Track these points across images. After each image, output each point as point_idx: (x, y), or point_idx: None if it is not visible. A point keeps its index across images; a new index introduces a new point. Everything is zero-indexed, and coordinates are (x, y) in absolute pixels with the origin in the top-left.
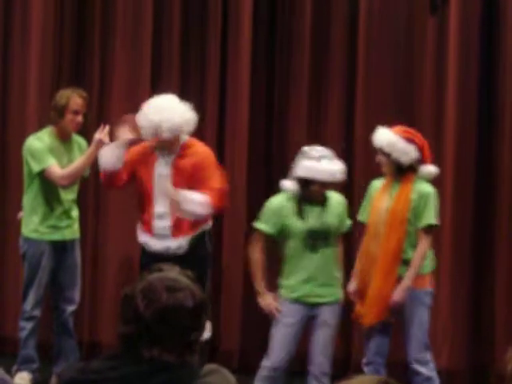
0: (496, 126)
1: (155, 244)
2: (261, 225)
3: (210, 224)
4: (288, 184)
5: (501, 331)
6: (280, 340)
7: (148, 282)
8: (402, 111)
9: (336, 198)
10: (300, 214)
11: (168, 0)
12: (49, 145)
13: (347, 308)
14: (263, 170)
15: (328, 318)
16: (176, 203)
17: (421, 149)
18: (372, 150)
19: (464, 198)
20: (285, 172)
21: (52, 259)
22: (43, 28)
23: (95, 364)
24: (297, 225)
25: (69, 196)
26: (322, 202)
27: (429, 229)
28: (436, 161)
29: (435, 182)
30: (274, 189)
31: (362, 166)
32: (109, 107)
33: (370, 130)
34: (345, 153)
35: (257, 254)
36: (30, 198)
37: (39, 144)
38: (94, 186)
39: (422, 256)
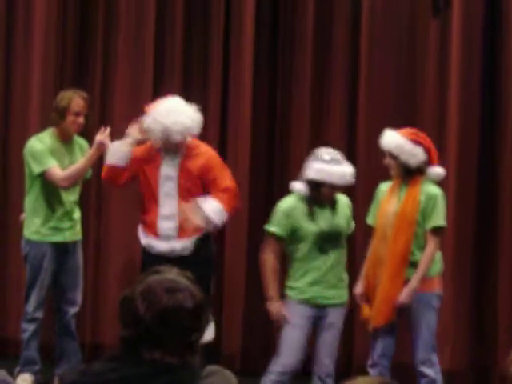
0: (498, 126)
1: (160, 245)
2: (272, 227)
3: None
4: (298, 186)
5: (503, 332)
6: (290, 342)
7: (147, 284)
8: (405, 111)
9: (343, 200)
10: (311, 216)
11: (170, 0)
12: (50, 146)
13: (350, 309)
14: (265, 169)
15: (335, 320)
16: (193, 221)
17: (428, 150)
18: (375, 151)
19: (466, 198)
20: (287, 172)
21: (54, 261)
22: (46, 28)
23: (96, 366)
24: (308, 227)
25: (70, 197)
26: (331, 204)
27: (437, 230)
28: (438, 161)
29: (437, 182)
30: (276, 189)
31: (365, 166)
32: (111, 107)
33: (373, 130)
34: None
35: (270, 259)
36: (32, 200)
37: (40, 145)
38: (96, 188)
39: (430, 258)
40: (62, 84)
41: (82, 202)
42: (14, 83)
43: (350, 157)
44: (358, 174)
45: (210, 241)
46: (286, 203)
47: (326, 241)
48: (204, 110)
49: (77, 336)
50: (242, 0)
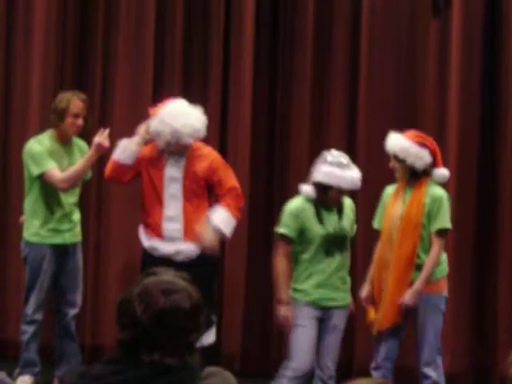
0: (498, 126)
1: (164, 247)
2: (282, 229)
3: None
4: (306, 188)
5: (503, 333)
6: (301, 344)
7: (144, 286)
8: (405, 112)
9: (348, 203)
10: (319, 218)
11: (170, 0)
12: (49, 148)
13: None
14: (265, 169)
15: (339, 322)
16: (207, 241)
17: (433, 153)
18: (375, 151)
19: (466, 198)
20: (287, 172)
21: (53, 263)
22: (46, 28)
23: (96, 369)
24: (315, 229)
25: (70, 199)
26: (337, 207)
27: (442, 232)
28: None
29: (442, 183)
30: (276, 189)
31: (365, 167)
32: (111, 107)
33: (373, 130)
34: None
35: (281, 262)
36: (31, 202)
37: (39, 147)
38: (96, 189)
39: (435, 260)
40: (62, 84)
41: (82, 204)
42: (14, 83)
43: (350, 157)
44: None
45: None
46: (294, 205)
47: (332, 243)
48: (204, 111)
49: (77, 338)
50: (241, 0)
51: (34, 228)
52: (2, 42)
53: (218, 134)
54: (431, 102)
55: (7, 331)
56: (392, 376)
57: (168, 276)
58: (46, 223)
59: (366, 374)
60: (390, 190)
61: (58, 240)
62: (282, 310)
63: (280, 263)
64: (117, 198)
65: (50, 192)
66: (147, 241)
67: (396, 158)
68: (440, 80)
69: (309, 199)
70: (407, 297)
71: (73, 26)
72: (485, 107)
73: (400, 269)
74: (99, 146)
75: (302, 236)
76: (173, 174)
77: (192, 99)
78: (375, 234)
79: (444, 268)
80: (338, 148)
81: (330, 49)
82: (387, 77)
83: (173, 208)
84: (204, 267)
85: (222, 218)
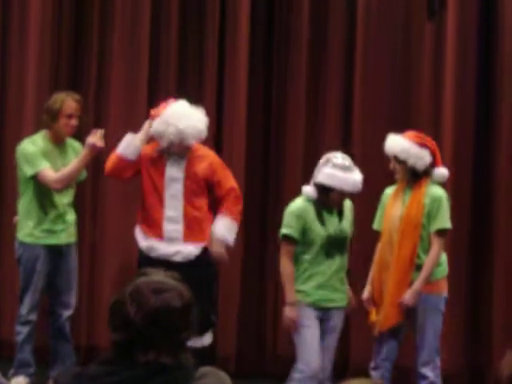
0: (493, 126)
1: (163, 248)
2: (286, 230)
3: None
4: (308, 189)
5: (498, 333)
6: (309, 344)
7: (135, 286)
8: (400, 111)
9: (347, 205)
10: (320, 219)
11: None
12: (42, 148)
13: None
14: (261, 168)
15: (338, 322)
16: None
17: (433, 152)
18: (369, 150)
19: (461, 198)
20: (282, 170)
21: (47, 263)
22: (41, 27)
23: (90, 369)
24: (317, 230)
25: (64, 200)
26: (338, 209)
27: (441, 232)
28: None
29: (441, 183)
30: (272, 187)
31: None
32: (106, 106)
33: (368, 129)
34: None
35: (288, 264)
36: (25, 202)
37: (32, 148)
38: (92, 190)
39: (435, 260)
40: (57, 83)
41: (78, 204)
42: (9, 82)
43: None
44: None
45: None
46: (296, 205)
47: (333, 245)
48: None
49: (71, 338)
50: None
51: (27, 228)
52: None
53: (214, 132)
54: (426, 102)
55: (2, 332)
56: (391, 376)
57: (159, 276)
58: (40, 224)
59: (362, 373)
60: (389, 191)
61: (52, 241)
62: (288, 311)
63: (286, 264)
64: (112, 199)
65: (43, 192)
66: (144, 241)
67: (396, 159)
68: (435, 80)
69: (310, 200)
70: (407, 297)
71: (68, 25)
72: (479, 108)
73: (400, 269)
74: (93, 146)
75: (303, 237)
76: (173, 174)
77: (187, 98)
78: (369, 234)
79: (444, 268)
80: (333, 146)
81: (326, 48)
82: (382, 77)
83: (173, 208)
84: (203, 268)
85: (225, 228)
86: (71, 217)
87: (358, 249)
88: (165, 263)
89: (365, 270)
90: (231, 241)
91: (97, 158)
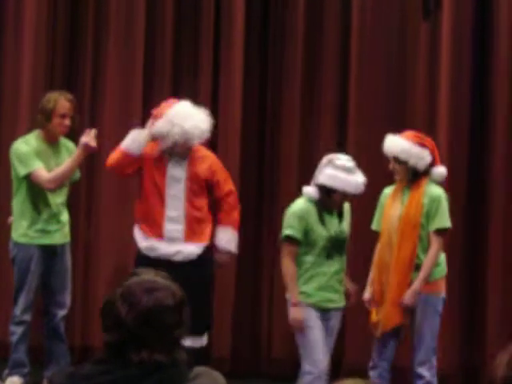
0: (488, 127)
1: (164, 247)
2: (288, 231)
3: None
4: (309, 190)
5: (493, 333)
6: (315, 344)
7: (126, 286)
8: (395, 112)
9: (346, 207)
10: (321, 220)
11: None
12: (35, 148)
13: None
14: (256, 169)
15: (336, 323)
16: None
17: (432, 152)
18: (365, 151)
19: (456, 199)
20: (277, 172)
21: (41, 263)
22: (36, 28)
23: (85, 369)
24: (319, 231)
25: (57, 199)
26: (338, 210)
27: (440, 232)
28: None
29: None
30: (267, 188)
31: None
32: (101, 107)
33: (363, 130)
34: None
35: (290, 265)
36: (19, 202)
37: (25, 147)
38: (86, 189)
39: (433, 260)
40: (52, 84)
41: (72, 204)
42: (4, 83)
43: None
44: None
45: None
46: (298, 206)
47: (333, 246)
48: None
49: (66, 338)
50: None
51: (22, 229)
52: None
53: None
54: (421, 103)
55: None
56: (389, 376)
57: (149, 275)
58: (34, 224)
59: (356, 373)
60: (387, 191)
61: (46, 241)
62: (294, 312)
63: (289, 265)
64: (107, 199)
65: (37, 192)
66: (144, 241)
67: (397, 160)
68: (430, 81)
69: (312, 201)
70: (407, 297)
71: (63, 26)
72: (475, 109)
73: (400, 270)
74: (86, 145)
75: (305, 238)
76: (176, 174)
77: (182, 97)
78: (367, 235)
79: (442, 268)
80: (328, 147)
81: (321, 49)
82: (378, 77)
83: (175, 208)
84: (204, 267)
85: (228, 239)
86: (65, 217)
87: (355, 250)
88: (165, 263)
89: (364, 271)
90: (234, 249)
91: (91, 158)
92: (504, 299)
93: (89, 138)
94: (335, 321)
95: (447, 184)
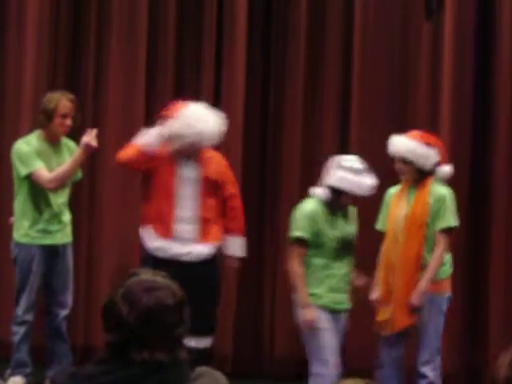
0: (490, 128)
1: (175, 248)
2: (298, 232)
3: None
4: (318, 190)
5: (495, 334)
6: (329, 345)
7: (126, 286)
8: (397, 112)
9: (351, 209)
10: (330, 222)
11: None
12: (36, 148)
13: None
14: (258, 168)
15: (344, 324)
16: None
17: (439, 151)
18: (367, 149)
19: (459, 200)
20: (279, 171)
21: (43, 264)
22: (39, 26)
23: (87, 369)
24: (328, 233)
25: (59, 199)
26: (343, 211)
27: (446, 231)
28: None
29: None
30: (269, 188)
31: None
32: (104, 105)
33: (365, 128)
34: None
35: (300, 267)
36: (20, 203)
37: (26, 148)
38: (89, 189)
39: (439, 259)
40: (55, 82)
41: (74, 204)
42: (7, 82)
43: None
44: None
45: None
46: (309, 208)
47: (342, 248)
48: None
49: (68, 338)
50: None
51: (23, 229)
52: None
53: None
54: (423, 103)
55: None
56: (398, 374)
57: (148, 275)
58: (35, 224)
59: (356, 373)
60: (392, 191)
61: (48, 241)
62: (305, 313)
63: (297, 267)
64: (109, 199)
65: (38, 192)
66: (154, 241)
67: (404, 160)
68: (432, 82)
69: (321, 202)
70: (413, 298)
71: (65, 24)
72: (477, 109)
73: (407, 270)
74: (87, 145)
75: (315, 239)
76: (187, 175)
77: (184, 96)
78: (370, 235)
79: (448, 268)
80: (331, 146)
81: (323, 48)
82: (380, 76)
83: (186, 209)
84: (214, 268)
85: (238, 247)
86: (67, 217)
87: (359, 250)
88: (176, 263)
89: (368, 271)
90: (243, 253)
91: (94, 158)
92: (506, 300)
93: (90, 137)
94: (343, 322)
95: (449, 184)
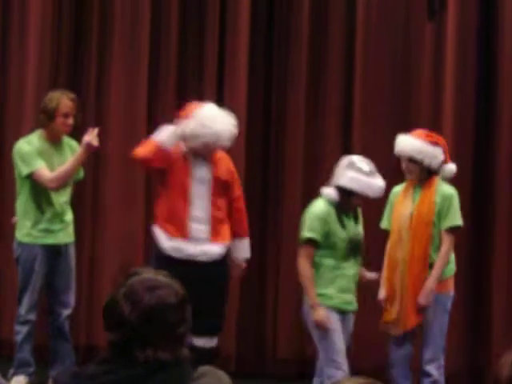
0: (493, 128)
1: (190, 248)
2: (309, 233)
3: None
4: (328, 191)
5: (498, 333)
6: (340, 347)
7: (129, 285)
8: (400, 113)
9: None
10: (341, 222)
11: (166, 1)
12: (38, 148)
13: None
14: (261, 171)
15: (352, 325)
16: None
17: (444, 150)
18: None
19: (462, 198)
20: (282, 174)
21: (45, 263)
22: (41, 30)
23: (89, 369)
24: (339, 233)
25: (61, 199)
26: (353, 212)
27: (453, 230)
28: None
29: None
30: (272, 190)
31: None
32: (106, 108)
33: (368, 131)
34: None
35: (309, 267)
36: (22, 202)
37: (28, 147)
38: (92, 189)
39: (446, 258)
40: (57, 84)
41: (78, 203)
42: (9, 84)
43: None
44: None
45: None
46: (320, 208)
47: (351, 248)
48: None
49: (70, 338)
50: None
51: (25, 228)
52: None
53: None
54: (426, 103)
55: (2, 331)
56: (409, 373)
57: (150, 274)
58: (37, 223)
59: (359, 372)
60: (397, 189)
61: (50, 240)
62: (320, 314)
63: (306, 267)
64: (112, 198)
65: (40, 192)
66: (169, 241)
67: (411, 159)
68: (435, 81)
69: (331, 203)
70: (422, 298)
71: (68, 27)
72: (479, 108)
73: (414, 269)
74: (88, 145)
75: (325, 240)
76: (201, 175)
77: (187, 99)
78: (374, 234)
79: (452, 267)
80: (333, 149)
81: (326, 49)
82: (383, 78)
83: (200, 209)
84: (225, 267)
85: (245, 250)
86: (69, 216)
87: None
88: (191, 263)
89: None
90: (249, 254)
91: (97, 157)
92: (509, 299)
93: (91, 137)
94: (351, 323)
95: (452, 183)
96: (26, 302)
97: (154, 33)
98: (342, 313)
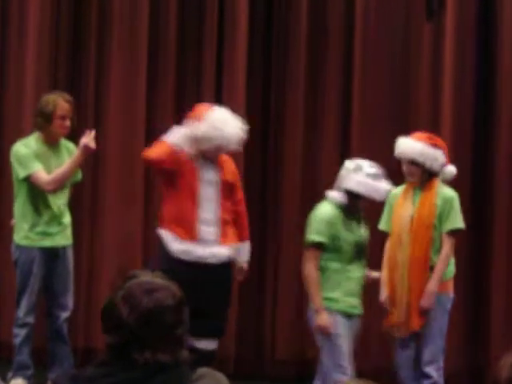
0: (492, 128)
1: (199, 250)
2: (316, 237)
3: None
4: (334, 194)
5: (497, 334)
6: (346, 351)
7: (127, 288)
8: (399, 113)
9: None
10: (348, 226)
11: (164, 1)
12: (35, 150)
13: None
14: (259, 173)
15: (357, 329)
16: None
17: (445, 152)
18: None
19: (461, 199)
20: (281, 174)
21: (43, 266)
22: (40, 30)
23: (88, 371)
24: (345, 236)
25: (58, 201)
26: (360, 215)
27: (453, 232)
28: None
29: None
30: (270, 191)
31: None
32: (104, 109)
33: (367, 131)
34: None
35: (315, 271)
36: (20, 205)
37: (25, 150)
38: (90, 191)
39: (446, 260)
40: (56, 84)
41: (76, 205)
42: (8, 85)
43: (344, 158)
44: None
45: None
46: (326, 212)
47: (357, 251)
48: None
49: (69, 340)
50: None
51: (23, 231)
52: None
53: None
54: (425, 103)
55: (0, 333)
56: (418, 375)
57: (147, 276)
58: (35, 226)
59: (360, 374)
60: (396, 191)
61: (48, 243)
62: (323, 318)
63: (312, 270)
64: (111, 200)
65: (37, 194)
66: (179, 244)
67: (412, 162)
68: (434, 82)
69: (337, 206)
70: (425, 300)
71: (66, 27)
72: (478, 109)
73: (415, 272)
74: (85, 147)
75: (331, 243)
76: (209, 177)
77: (185, 100)
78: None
79: (451, 269)
80: (332, 149)
81: (324, 49)
82: (381, 78)
83: (208, 211)
84: (231, 269)
85: (247, 253)
86: (67, 219)
87: None
88: (201, 266)
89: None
90: (249, 258)
91: (95, 159)
92: (508, 300)
93: (88, 139)
94: (357, 327)
95: (451, 185)
96: (24, 304)
97: (153, 33)
98: (348, 316)
